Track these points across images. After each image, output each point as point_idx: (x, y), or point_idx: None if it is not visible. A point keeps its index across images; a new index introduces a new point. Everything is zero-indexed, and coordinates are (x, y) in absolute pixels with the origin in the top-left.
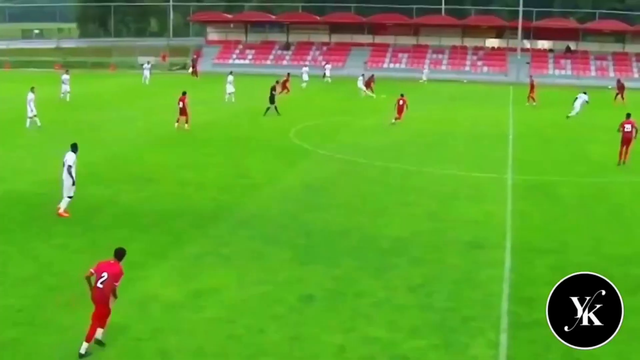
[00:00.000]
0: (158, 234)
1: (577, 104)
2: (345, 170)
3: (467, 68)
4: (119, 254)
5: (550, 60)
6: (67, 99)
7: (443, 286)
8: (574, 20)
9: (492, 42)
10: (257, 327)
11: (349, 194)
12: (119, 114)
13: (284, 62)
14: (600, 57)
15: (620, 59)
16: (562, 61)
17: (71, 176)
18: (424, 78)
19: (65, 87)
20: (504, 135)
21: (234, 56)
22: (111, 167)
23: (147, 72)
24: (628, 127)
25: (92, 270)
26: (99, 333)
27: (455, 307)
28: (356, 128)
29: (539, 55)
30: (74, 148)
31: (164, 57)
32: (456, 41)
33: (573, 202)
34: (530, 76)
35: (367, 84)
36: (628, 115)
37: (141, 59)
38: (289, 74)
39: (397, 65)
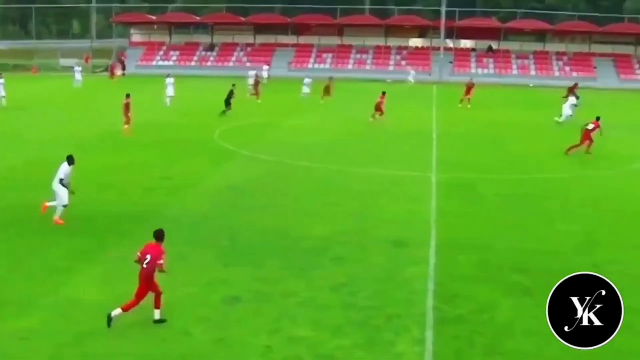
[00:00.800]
0: (82, 238)
1: (567, 107)
2: (270, 171)
3: (391, 68)
4: (158, 235)
5: (473, 59)
6: (4, 103)
7: (367, 285)
8: (496, 19)
9: (415, 42)
10: (183, 330)
11: (273, 195)
12: (45, 118)
13: (208, 64)
14: (522, 55)
15: (541, 58)
16: (485, 60)
17: (64, 186)
18: (411, 80)
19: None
20: (428, 134)
21: (158, 58)
22: (34, 171)
23: (78, 75)
24: (590, 126)
25: (138, 254)
26: (156, 314)
27: (380, 305)
28: (283, 129)
29: (461, 55)
30: (70, 160)
31: (86, 59)
32: (380, 41)
33: (496, 199)
34: (471, 79)
35: (326, 88)
36: (597, 118)
37: (63, 61)
38: (257, 74)
39: (322, 65)
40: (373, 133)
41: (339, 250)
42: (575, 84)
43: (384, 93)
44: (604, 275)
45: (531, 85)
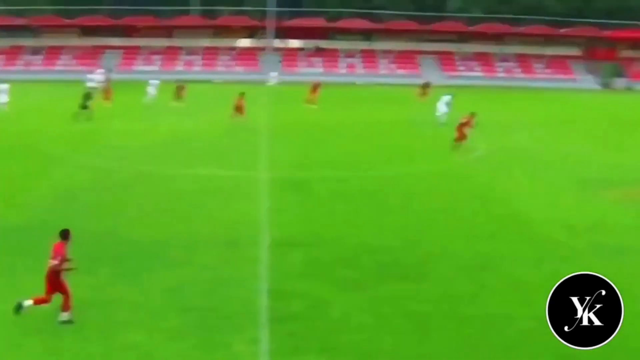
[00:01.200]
0: None
1: (442, 105)
2: (98, 177)
3: (220, 68)
4: (62, 234)
5: (302, 59)
6: None
7: (201, 287)
8: (324, 19)
9: (244, 42)
10: (14, 343)
11: (101, 201)
12: None
13: (34, 68)
14: (349, 54)
15: (368, 56)
16: (313, 59)
17: None
18: (273, 81)
19: None
20: (260, 134)
21: None
22: None
23: None
24: (464, 120)
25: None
26: (64, 316)
27: (214, 307)
28: (117, 132)
29: (290, 54)
30: None
31: None
32: (209, 42)
33: (327, 196)
34: (317, 80)
35: (178, 92)
36: (472, 114)
37: None
38: (105, 77)
39: (150, 67)
40: (206, 134)
41: (171, 254)
42: (427, 83)
43: (242, 94)
44: (434, 266)
45: (357, 83)
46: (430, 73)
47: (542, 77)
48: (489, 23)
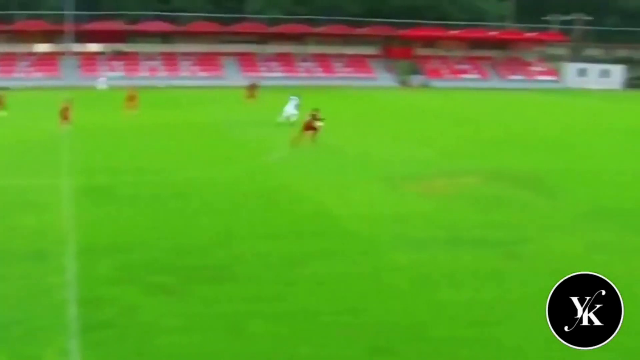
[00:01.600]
0: None
1: (290, 107)
2: None
3: (18, 75)
4: None
5: (102, 62)
6: None
7: (6, 300)
8: (123, 22)
9: (42, 47)
10: None
11: None
12: None
13: None
14: (150, 57)
15: (169, 58)
16: (114, 63)
17: None
18: (103, 86)
19: None
20: (60, 140)
21: None
22: None
23: None
24: (308, 118)
25: None
26: None
27: (21, 320)
28: None
29: (90, 58)
30: None
31: None
32: (5, 47)
33: (134, 201)
34: (134, 85)
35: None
36: (316, 110)
37: None
38: None
39: None
40: (16, 143)
41: None
42: (254, 84)
43: (68, 100)
44: (243, 266)
45: (161, 85)
46: (232, 74)
47: (342, 76)
48: (289, 24)
